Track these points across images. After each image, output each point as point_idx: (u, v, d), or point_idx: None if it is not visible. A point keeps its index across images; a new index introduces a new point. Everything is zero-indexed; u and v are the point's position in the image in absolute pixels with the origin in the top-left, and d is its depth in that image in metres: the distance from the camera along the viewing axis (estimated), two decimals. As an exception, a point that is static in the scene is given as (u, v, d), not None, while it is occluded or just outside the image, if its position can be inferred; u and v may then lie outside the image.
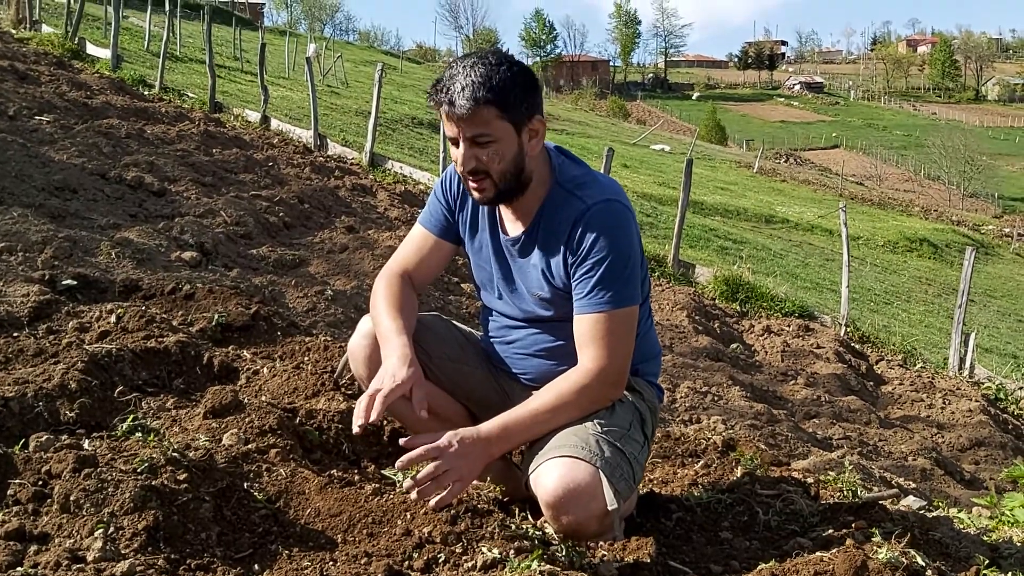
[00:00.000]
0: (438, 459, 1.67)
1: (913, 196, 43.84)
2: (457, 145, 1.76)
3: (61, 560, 1.47)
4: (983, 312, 14.76)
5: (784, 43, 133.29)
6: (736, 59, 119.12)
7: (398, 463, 1.70)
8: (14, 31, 13.88)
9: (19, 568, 1.47)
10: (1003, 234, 33.28)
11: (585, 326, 1.79)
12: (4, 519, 1.58)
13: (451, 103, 1.71)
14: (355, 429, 1.73)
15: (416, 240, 2.01)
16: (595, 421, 1.78)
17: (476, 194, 1.83)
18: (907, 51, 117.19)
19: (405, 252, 2.01)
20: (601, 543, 1.89)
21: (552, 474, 1.67)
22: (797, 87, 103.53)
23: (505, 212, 1.90)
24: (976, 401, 6.38)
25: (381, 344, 1.85)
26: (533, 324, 1.93)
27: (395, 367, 1.77)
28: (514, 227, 1.89)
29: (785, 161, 49.20)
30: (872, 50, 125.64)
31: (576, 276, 1.79)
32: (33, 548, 1.52)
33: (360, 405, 1.74)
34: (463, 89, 1.70)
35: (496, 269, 1.94)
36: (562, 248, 1.81)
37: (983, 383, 7.61)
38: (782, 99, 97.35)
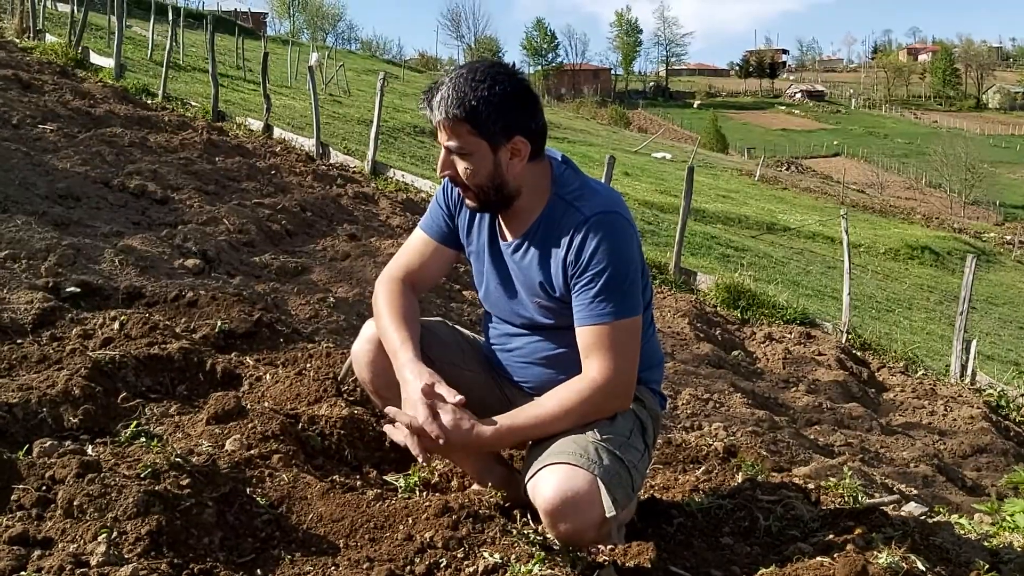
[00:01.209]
0: (425, 433, 1.71)
1: (914, 204, 43.86)
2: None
3: (65, 565, 1.48)
4: (984, 319, 14.74)
5: (785, 52, 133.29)
6: (737, 67, 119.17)
7: (387, 409, 1.77)
8: (18, 40, 13.97)
9: (23, 573, 1.48)
10: (1004, 242, 33.31)
11: (587, 338, 1.78)
12: (8, 524, 1.59)
13: (430, 110, 1.76)
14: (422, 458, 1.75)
15: (417, 245, 2.01)
16: (595, 429, 1.77)
17: (465, 200, 1.85)
18: (908, 59, 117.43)
19: (406, 256, 2.01)
20: (602, 548, 1.89)
21: (550, 482, 1.67)
22: (798, 95, 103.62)
23: (504, 220, 1.91)
24: (978, 408, 6.38)
25: (392, 358, 1.86)
26: (534, 332, 1.93)
27: (415, 386, 1.77)
28: (512, 235, 1.90)
29: (787, 169, 49.29)
30: (873, 58, 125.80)
31: (576, 288, 1.79)
32: (37, 553, 1.53)
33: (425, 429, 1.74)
34: (440, 101, 1.73)
35: (494, 276, 1.94)
36: (561, 259, 1.80)
37: (985, 390, 7.60)
38: (783, 107, 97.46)
